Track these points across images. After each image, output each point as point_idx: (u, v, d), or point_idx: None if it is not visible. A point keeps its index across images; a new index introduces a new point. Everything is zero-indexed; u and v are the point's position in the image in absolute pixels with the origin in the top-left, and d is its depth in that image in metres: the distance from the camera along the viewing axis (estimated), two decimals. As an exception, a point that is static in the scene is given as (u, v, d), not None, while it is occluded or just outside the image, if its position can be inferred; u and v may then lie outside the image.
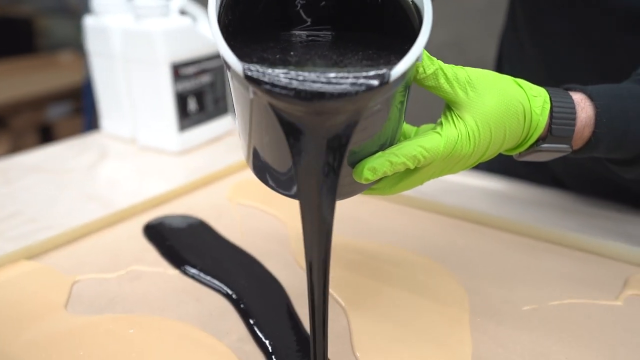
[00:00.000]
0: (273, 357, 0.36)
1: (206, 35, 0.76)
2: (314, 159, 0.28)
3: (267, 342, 0.38)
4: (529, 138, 0.35)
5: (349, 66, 0.28)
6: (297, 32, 0.36)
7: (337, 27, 0.35)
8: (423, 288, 0.43)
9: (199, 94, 0.77)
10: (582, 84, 0.38)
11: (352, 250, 0.49)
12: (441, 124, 0.33)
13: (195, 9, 0.79)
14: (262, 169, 0.34)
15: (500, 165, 0.71)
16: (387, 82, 0.26)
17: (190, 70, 0.75)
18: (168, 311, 0.41)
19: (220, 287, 0.44)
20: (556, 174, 0.64)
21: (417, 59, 0.28)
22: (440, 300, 0.42)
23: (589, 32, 0.51)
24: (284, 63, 0.29)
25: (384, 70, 0.26)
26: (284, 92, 0.25)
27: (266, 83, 0.26)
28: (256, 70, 0.26)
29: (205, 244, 0.51)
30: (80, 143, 0.81)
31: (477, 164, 0.34)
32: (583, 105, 0.36)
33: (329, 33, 0.35)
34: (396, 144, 0.32)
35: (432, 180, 0.43)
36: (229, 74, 0.30)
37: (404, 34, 0.32)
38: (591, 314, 0.40)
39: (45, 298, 0.42)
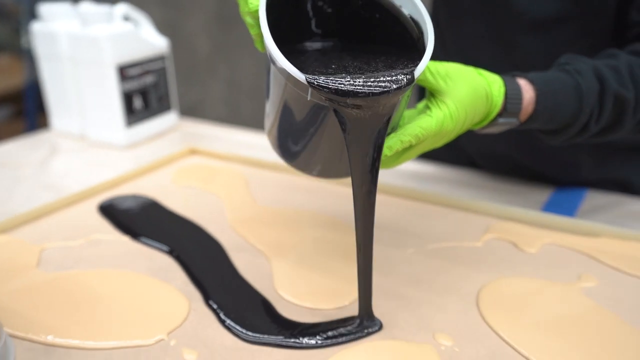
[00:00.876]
0: (210, 296, 0.46)
1: (148, 39, 0.85)
2: (369, 144, 0.37)
3: (204, 283, 0.48)
4: (490, 115, 0.46)
5: (380, 71, 0.37)
6: (310, 44, 0.44)
7: (341, 38, 0.44)
8: (330, 240, 0.54)
9: (144, 93, 0.86)
10: None
11: (281, 215, 0.60)
12: (429, 108, 0.43)
13: (137, 15, 0.87)
14: (313, 162, 0.44)
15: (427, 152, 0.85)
16: (413, 80, 0.36)
17: (135, 71, 0.83)
18: (125, 268, 0.51)
19: (166, 247, 0.54)
20: (472, 157, 0.77)
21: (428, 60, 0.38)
22: (345, 251, 0.53)
23: (500, 34, 0.63)
24: (334, 72, 0.37)
25: (408, 73, 0.36)
26: (349, 95, 0.34)
27: (331, 89, 0.35)
28: (318, 80, 0.35)
29: (154, 216, 0.60)
30: (31, 141, 0.88)
31: (454, 138, 0.46)
32: (527, 89, 0.47)
33: (338, 44, 0.44)
34: (399, 127, 0.42)
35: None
36: (281, 84, 0.38)
37: (401, 42, 0.41)
38: (458, 252, 0.53)
39: (19, 261, 0.51)
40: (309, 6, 0.43)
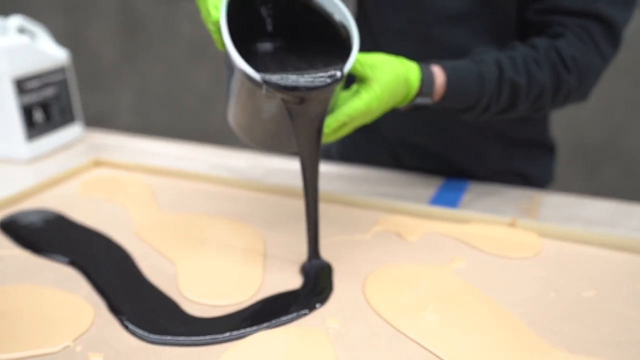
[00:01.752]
0: (113, 303, 0.48)
1: (46, 51, 0.85)
2: (313, 125, 0.47)
3: (108, 290, 0.50)
4: (409, 95, 0.56)
5: (318, 69, 0.47)
6: (263, 43, 0.53)
7: (289, 38, 0.53)
8: (233, 243, 0.58)
9: (44, 106, 0.85)
10: None
11: (186, 221, 0.63)
12: (359, 91, 0.52)
13: (33, 27, 0.86)
14: (266, 140, 0.54)
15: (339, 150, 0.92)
16: (343, 76, 0.46)
17: (34, 84, 0.82)
18: (28, 282, 0.52)
19: (68, 258, 0.55)
20: (394, 147, 0.84)
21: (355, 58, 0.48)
22: (245, 253, 0.57)
23: (417, 28, 0.71)
24: (282, 71, 0.46)
25: (339, 69, 0.46)
26: (295, 89, 0.44)
27: (280, 86, 0.44)
28: (270, 78, 0.44)
29: (58, 229, 0.61)
30: None
31: (380, 115, 0.55)
32: (439, 74, 0.58)
33: (285, 44, 0.53)
34: (337, 107, 0.52)
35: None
36: (239, 80, 0.46)
37: (334, 41, 0.50)
38: (348, 244, 0.58)
39: None
40: (262, 11, 0.52)
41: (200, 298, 0.49)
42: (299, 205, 0.68)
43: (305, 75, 0.45)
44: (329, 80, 0.45)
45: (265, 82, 0.44)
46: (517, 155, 0.82)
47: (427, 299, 0.48)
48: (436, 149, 0.81)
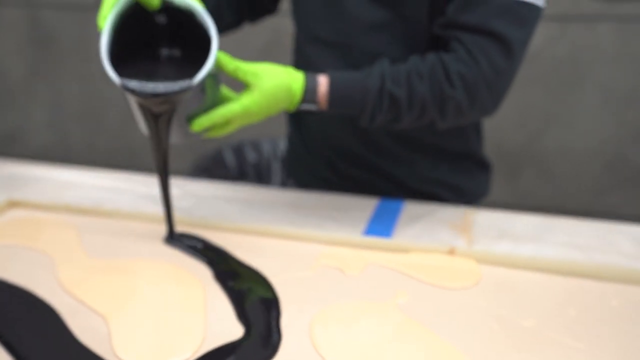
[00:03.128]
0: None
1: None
2: (154, 121, 0.57)
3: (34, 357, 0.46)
4: (294, 102, 0.63)
5: (173, 78, 0.55)
6: (162, 52, 0.60)
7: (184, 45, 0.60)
8: (167, 290, 0.55)
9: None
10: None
11: (116, 268, 0.59)
12: (240, 97, 0.59)
13: None
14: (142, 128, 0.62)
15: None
16: (191, 87, 0.54)
17: None
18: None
19: (-9, 322, 0.50)
20: (330, 157, 0.85)
21: (209, 71, 0.55)
22: (183, 301, 0.54)
23: (339, 36, 0.75)
24: (144, 77, 0.55)
25: (188, 81, 0.54)
26: (140, 95, 0.54)
27: (132, 90, 0.53)
28: (128, 83, 0.54)
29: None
30: None
31: (267, 117, 0.62)
32: (323, 83, 0.64)
33: (179, 52, 0.60)
34: (218, 106, 0.60)
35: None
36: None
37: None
38: (293, 283, 0.57)
39: None
40: (157, 21, 0.58)
41: (138, 359, 0.46)
42: (237, 241, 0.66)
43: (160, 82, 0.54)
44: (163, 89, 0.54)
45: (123, 85, 0.53)
46: (445, 166, 0.84)
47: (372, 339, 0.48)
48: (368, 157, 0.83)
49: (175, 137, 0.61)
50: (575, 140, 1.54)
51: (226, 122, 0.60)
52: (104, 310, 0.52)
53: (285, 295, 0.55)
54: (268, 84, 0.59)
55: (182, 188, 0.87)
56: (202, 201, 0.82)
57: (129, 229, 0.68)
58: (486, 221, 0.75)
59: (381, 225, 0.74)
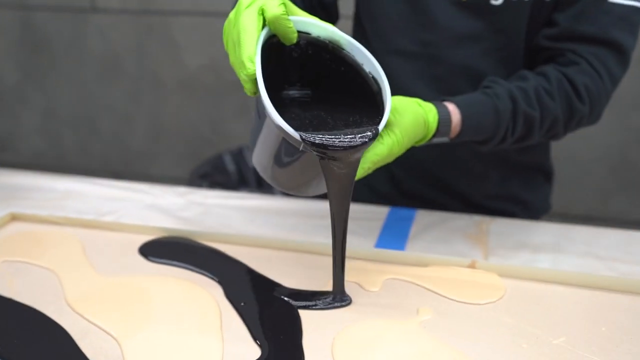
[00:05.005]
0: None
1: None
2: (348, 178, 0.49)
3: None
4: (427, 136, 0.57)
5: (352, 127, 0.48)
6: (290, 92, 0.53)
7: (314, 86, 0.53)
8: (183, 308, 0.53)
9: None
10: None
11: (127, 285, 0.56)
12: (382, 136, 0.52)
13: None
14: (292, 187, 0.55)
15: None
16: (377, 135, 0.47)
17: None
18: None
19: (-3, 347, 0.48)
20: (391, 168, 0.81)
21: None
22: (201, 318, 0.52)
23: (424, 48, 0.71)
24: (318, 128, 0.47)
25: (374, 129, 0.47)
26: (335, 149, 0.46)
27: (320, 145, 0.45)
28: (309, 137, 0.45)
29: (-26, 308, 0.53)
30: None
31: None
32: (454, 112, 0.59)
33: (311, 93, 0.53)
34: None
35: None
36: (271, 132, 0.47)
37: (362, 92, 0.51)
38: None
39: None
40: (289, 59, 0.50)
41: (155, 385, 0.43)
42: (248, 253, 0.63)
43: (341, 135, 0.46)
44: (365, 139, 0.46)
45: (304, 140, 0.45)
46: (515, 180, 0.81)
47: (401, 361, 0.46)
48: (435, 171, 0.80)
49: (315, 189, 0.55)
50: (580, 145, 1.54)
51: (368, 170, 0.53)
52: (116, 333, 0.49)
53: (304, 313, 0.53)
54: (408, 120, 0.53)
55: (184, 197, 0.85)
56: (207, 211, 0.80)
57: (137, 242, 0.66)
58: (501, 230, 0.74)
59: (394, 236, 0.72)
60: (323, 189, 0.51)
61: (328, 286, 0.56)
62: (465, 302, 0.54)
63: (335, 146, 0.45)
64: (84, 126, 1.95)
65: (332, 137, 0.46)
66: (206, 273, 0.59)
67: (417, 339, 0.49)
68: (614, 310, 0.53)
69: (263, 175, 0.55)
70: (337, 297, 0.54)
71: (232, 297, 0.55)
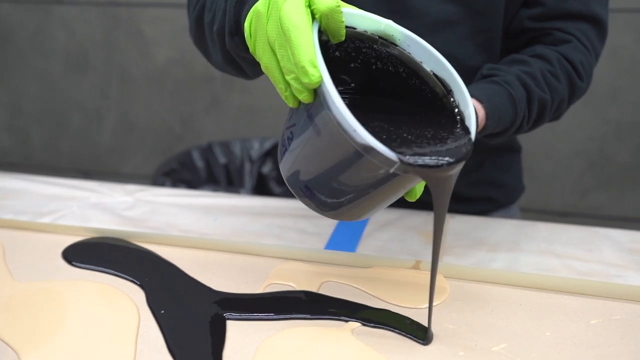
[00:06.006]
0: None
1: None
2: (448, 191, 0.40)
3: None
4: None
5: (442, 139, 0.40)
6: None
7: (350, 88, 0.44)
8: (103, 317, 0.49)
9: None
10: None
11: (44, 291, 0.52)
12: None
13: None
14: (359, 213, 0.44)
15: None
16: (473, 144, 0.40)
17: None
18: None
19: None
20: None
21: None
22: (118, 328, 0.48)
23: None
24: (402, 143, 0.38)
25: (468, 137, 0.40)
26: (439, 168, 0.37)
27: (424, 165, 0.37)
28: (409, 156, 0.37)
29: None
30: None
31: None
32: (479, 108, 0.53)
33: (356, 98, 0.44)
34: None
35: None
36: (349, 154, 0.37)
37: (419, 96, 0.43)
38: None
39: None
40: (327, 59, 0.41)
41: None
42: (181, 255, 0.59)
43: (437, 150, 0.39)
44: (464, 150, 0.39)
45: (404, 162, 0.36)
46: (489, 163, 0.79)
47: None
48: None
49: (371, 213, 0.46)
50: (557, 140, 1.50)
51: None
52: (17, 345, 0.45)
53: (231, 321, 0.49)
54: None
55: (132, 195, 0.81)
56: (154, 210, 0.75)
57: (64, 244, 0.61)
58: (460, 228, 0.70)
59: (347, 235, 0.69)
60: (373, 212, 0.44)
61: (262, 289, 0.52)
62: (403, 306, 0.50)
63: (439, 166, 0.37)
64: (51, 122, 1.90)
65: (429, 154, 0.38)
66: (130, 277, 0.54)
67: (345, 346, 0.45)
68: (560, 313, 0.49)
69: (311, 203, 0.44)
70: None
71: (154, 303, 0.50)
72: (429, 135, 0.40)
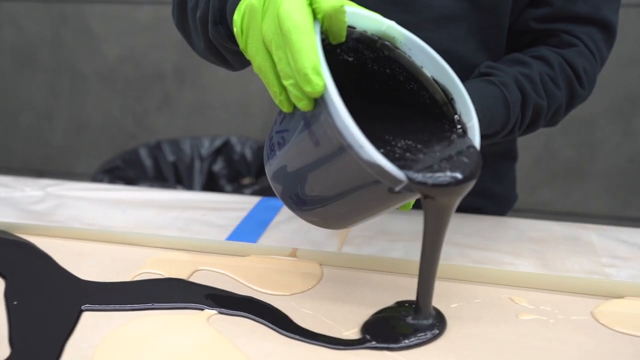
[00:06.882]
0: None
1: None
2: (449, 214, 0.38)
3: None
4: None
5: (449, 153, 0.37)
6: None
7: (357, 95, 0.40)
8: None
9: None
10: None
11: None
12: None
13: None
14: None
15: None
16: (480, 156, 0.38)
17: None
18: None
19: None
20: None
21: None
22: None
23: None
24: (405, 159, 0.36)
25: (472, 148, 0.38)
26: (449, 187, 0.35)
27: (434, 185, 0.35)
28: (418, 175, 0.34)
29: None
30: None
31: None
32: None
33: (365, 102, 0.41)
34: None
35: None
36: (352, 170, 0.34)
37: (418, 102, 0.41)
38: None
39: None
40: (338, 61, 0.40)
41: None
42: (65, 246, 0.57)
43: (444, 167, 0.36)
44: (473, 166, 0.37)
45: (413, 180, 0.34)
46: (485, 171, 0.73)
47: (171, 356, 0.40)
48: None
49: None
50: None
51: None
52: None
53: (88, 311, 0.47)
54: None
55: (45, 189, 0.79)
56: (62, 204, 0.74)
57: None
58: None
59: (252, 227, 0.67)
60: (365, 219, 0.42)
61: (130, 278, 0.51)
62: (269, 293, 0.49)
63: (449, 184, 0.35)
64: (2, 121, 1.87)
65: (434, 172, 0.35)
66: (-6, 267, 0.53)
67: (196, 334, 0.43)
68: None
69: (302, 213, 0.42)
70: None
71: (10, 294, 0.49)
72: (433, 149, 0.38)
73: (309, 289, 0.50)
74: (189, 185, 1.58)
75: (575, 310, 0.45)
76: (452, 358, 0.41)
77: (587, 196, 1.51)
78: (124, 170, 1.45)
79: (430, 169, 0.35)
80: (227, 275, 0.52)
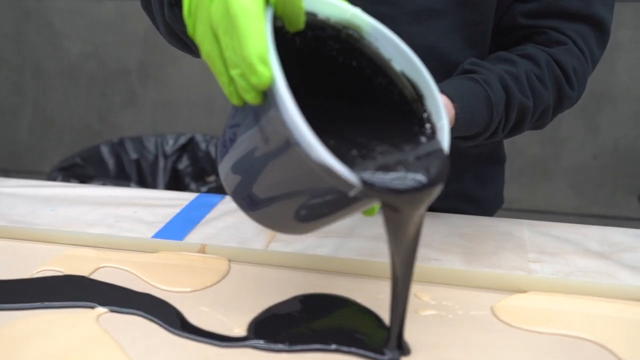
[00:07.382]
0: None
1: None
2: (418, 224, 0.34)
3: None
4: None
5: (420, 155, 0.34)
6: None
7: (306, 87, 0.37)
8: None
9: None
10: None
11: None
12: None
13: None
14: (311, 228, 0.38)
15: None
16: (449, 161, 0.34)
17: None
18: None
19: None
20: None
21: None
22: None
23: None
24: (372, 162, 0.33)
25: (440, 150, 0.34)
26: (409, 193, 0.32)
27: (390, 189, 0.31)
28: (374, 178, 0.31)
29: None
30: None
31: None
32: (449, 107, 0.48)
33: (326, 97, 0.38)
34: None
35: None
36: (301, 170, 0.31)
37: (385, 98, 0.38)
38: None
39: None
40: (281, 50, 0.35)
41: None
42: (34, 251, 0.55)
43: (407, 172, 0.32)
44: (438, 171, 0.33)
45: (367, 184, 0.30)
46: (470, 174, 0.72)
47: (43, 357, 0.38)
48: None
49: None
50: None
51: None
52: None
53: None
54: None
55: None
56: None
57: None
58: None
59: (182, 223, 0.66)
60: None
61: (29, 276, 0.49)
62: (169, 290, 0.47)
63: (408, 190, 0.32)
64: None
65: (394, 176, 0.32)
66: None
67: (80, 332, 0.41)
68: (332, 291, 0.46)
69: (254, 215, 0.40)
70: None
71: None
72: (396, 150, 0.35)
73: (210, 285, 0.48)
74: (152, 184, 1.56)
75: (475, 305, 0.44)
76: (339, 354, 0.39)
77: (553, 193, 1.50)
78: (83, 167, 1.43)
79: (389, 172, 0.32)
80: (130, 272, 0.50)
